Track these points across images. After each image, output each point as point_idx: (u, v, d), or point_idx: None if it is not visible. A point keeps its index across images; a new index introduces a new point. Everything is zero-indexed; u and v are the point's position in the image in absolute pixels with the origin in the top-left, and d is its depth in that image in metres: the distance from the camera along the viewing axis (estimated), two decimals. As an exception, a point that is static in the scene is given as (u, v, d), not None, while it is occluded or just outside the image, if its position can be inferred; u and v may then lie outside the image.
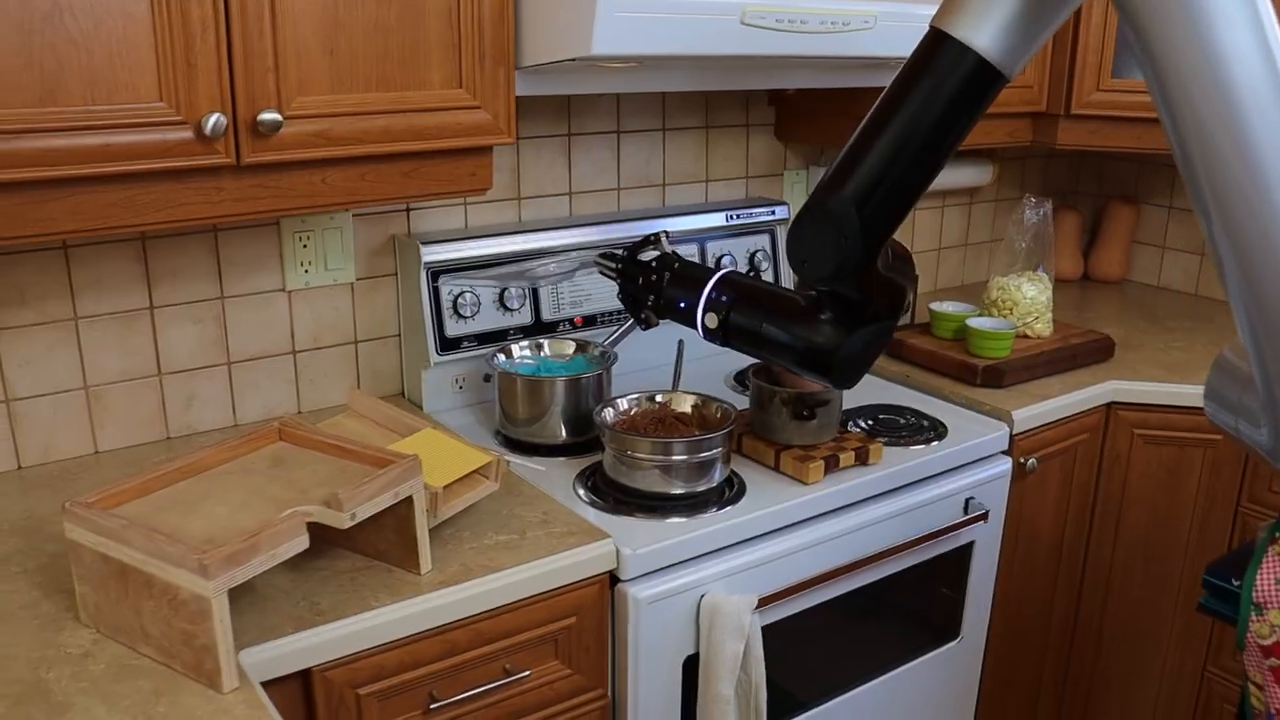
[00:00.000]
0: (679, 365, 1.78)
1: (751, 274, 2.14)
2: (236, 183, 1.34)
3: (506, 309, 1.86)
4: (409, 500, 1.29)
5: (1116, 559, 2.15)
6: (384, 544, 1.35)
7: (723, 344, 1.41)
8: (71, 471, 1.60)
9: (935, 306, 2.15)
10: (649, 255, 1.55)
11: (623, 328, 1.85)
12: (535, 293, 1.90)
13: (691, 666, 1.54)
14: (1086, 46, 2.13)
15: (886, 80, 1.19)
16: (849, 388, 1.37)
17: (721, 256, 2.10)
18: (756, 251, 2.14)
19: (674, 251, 1.52)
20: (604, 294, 1.96)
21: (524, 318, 1.89)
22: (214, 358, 1.73)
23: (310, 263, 1.77)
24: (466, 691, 1.36)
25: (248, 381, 1.77)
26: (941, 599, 1.89)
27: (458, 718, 1.37)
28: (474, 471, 1.41)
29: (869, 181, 1.17)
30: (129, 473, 1.58)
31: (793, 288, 1.58)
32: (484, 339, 1.85)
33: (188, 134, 1.27)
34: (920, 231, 2.59)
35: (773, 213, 2.17)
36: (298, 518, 1.16)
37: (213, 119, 1.26)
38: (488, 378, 1.89)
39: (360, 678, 1.28)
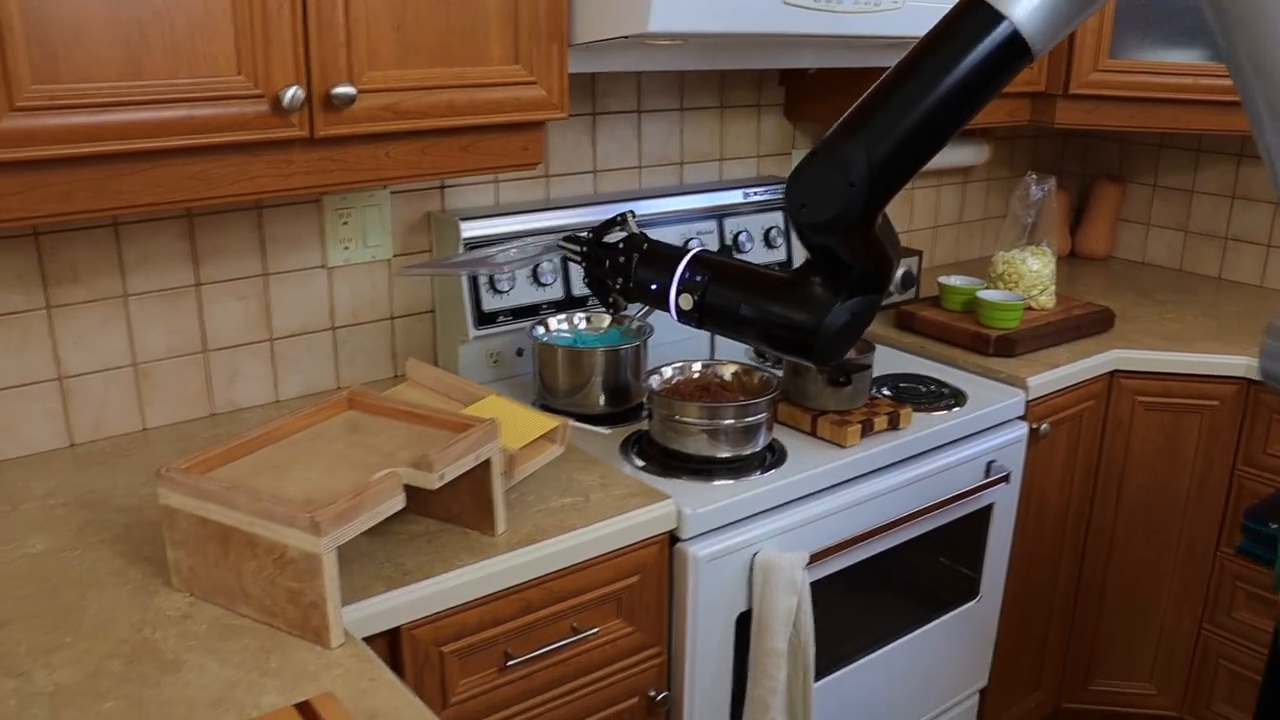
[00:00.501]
0: (715, 336, 1.83)
1: (722, 253, 2.19)
2: (306, 156, 1.36)
3: (539, 284, 1.90)
4: (486, 463, 1.32)
5: (1119, 521, 2.24)
6: (458, 507, 1.38)
7: (698, 326, 1.33)
8: (123, 448, 1.61)
9: (944, 280, 2.22)
10: (615, 237, 1.45)
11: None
12: (566, 267, 1.93)
13: (743, 623, 1.59)
14: (1085, 27, 2.21)
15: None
16: (830, 363, 1.35)
17: (738, 233, 2.15)
18: (771, 229, 2.19)
19: (642, 232, 1.45)
20: (631, 269, 2.00)
21: (555, 292, 1.92)
22: (257, 334, 1.74)
23: (350, 240, 1.79)
24: (538, 649, 1.40)
25: (289, 358, 1.79)
26: (962, 560, 1.96)
27: (529, 675, 1.41)
28: (539, 437, 1.45)
29: (884, 132, 1.14)
30: (179, 449, 1.60)
31: (783, 268, 1.61)
32: (518, 313, 1.88)
33: (264, 107, 1.29)
34: (917, 210, 2.66)
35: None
36: (395, 478, 1.19)
37: (290, 92, 1.28)
38: (520, 351, 1.93)
39: (444, 636, 1.31)
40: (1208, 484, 2.18)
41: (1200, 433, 2.16)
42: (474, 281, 1.82)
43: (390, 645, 1.28)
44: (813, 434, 1.74)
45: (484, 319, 1.85)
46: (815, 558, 1.58)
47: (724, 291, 1.29)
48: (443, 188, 1.88)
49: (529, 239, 1.75)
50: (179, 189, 1.29)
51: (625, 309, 1.52)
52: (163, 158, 1.26)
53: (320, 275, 1.78)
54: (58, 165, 1.19)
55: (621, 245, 1.40)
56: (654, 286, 1.36)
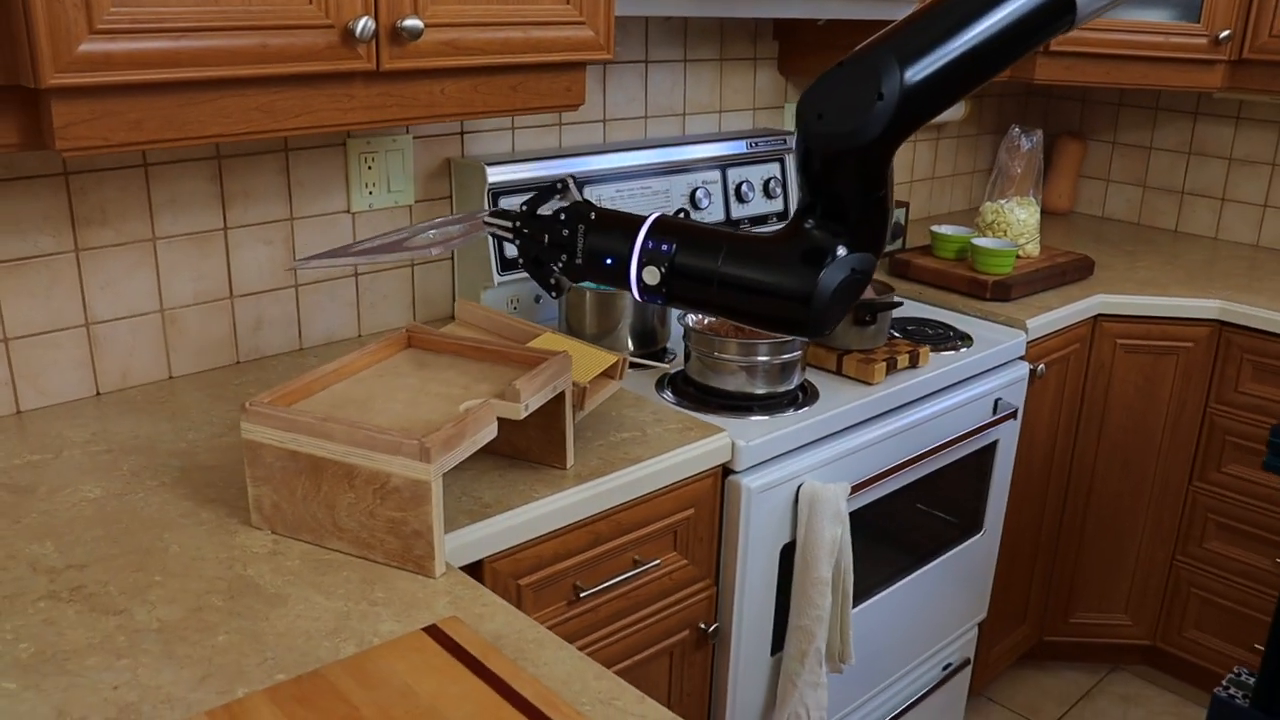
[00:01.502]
0: None
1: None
2: (367, 90, 1.32)
3: (560, 231, 1.87)
4: (559, 396, 1.30)
5: (1099, 459, 2.32)
6: (525, 442, 1.36)
7: (664, 303, 1.12)
8: (153, 396, 1.55)
9: (937, 229, 2.26)
10: (553, 207, 1.25)
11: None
12: (584, 215, 1.91)
13: (787, 554, 1.60)
14: (1067, -15, 2.26)
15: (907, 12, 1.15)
16: (822, 335, 1.11)
17: (740, 183, 2.15)
18: (770, 179, 2.20)
19: (586, 199, 1.24)
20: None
21: (574, 240, 1.90)
22: (283, 280, 1.69)
23: (374, 184, 1.74)
24: (605, 582, 1.39)
25: (313, 304, 1.73)
26: (968, 495, 2.00)
27: (595, 608, 1.40)
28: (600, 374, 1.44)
29: (923, 54, 1.02)
30: (211, 397, 1.54)
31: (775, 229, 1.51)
32: (539, 260, 1.86)
33: (335, 38, 1.25)
34: (896, 165, 2.69)
35: (784, 141, 2.23)
36: (489, 407, 1.17)
37: (362, 22, 1.24)
38: (539, 298, 1.90)
39: (522, 568, 1.30)
40: (1181, 422, 2.27)
41: (1175, 374, 2.25)
42: (497, 227, 1.79)
43: (473, 577, 1.26)
44: (838, 372, 1.76)
45: (506, 264, 1.82)
46: (854, 489, 1.61)
47: (696, 260, 1.08)
48: (462, 133, 1.84)
49: (447, 217, 1.46)
50: (245, 120, 1.23)
51: (569, 290, 1.35)
52: (231, 88, 1.21)
53: (344, 220, 1.73)
54: (132, 92, 1.13)
55: (563, 216, 1.16)
56: (609, 260, 1.12)
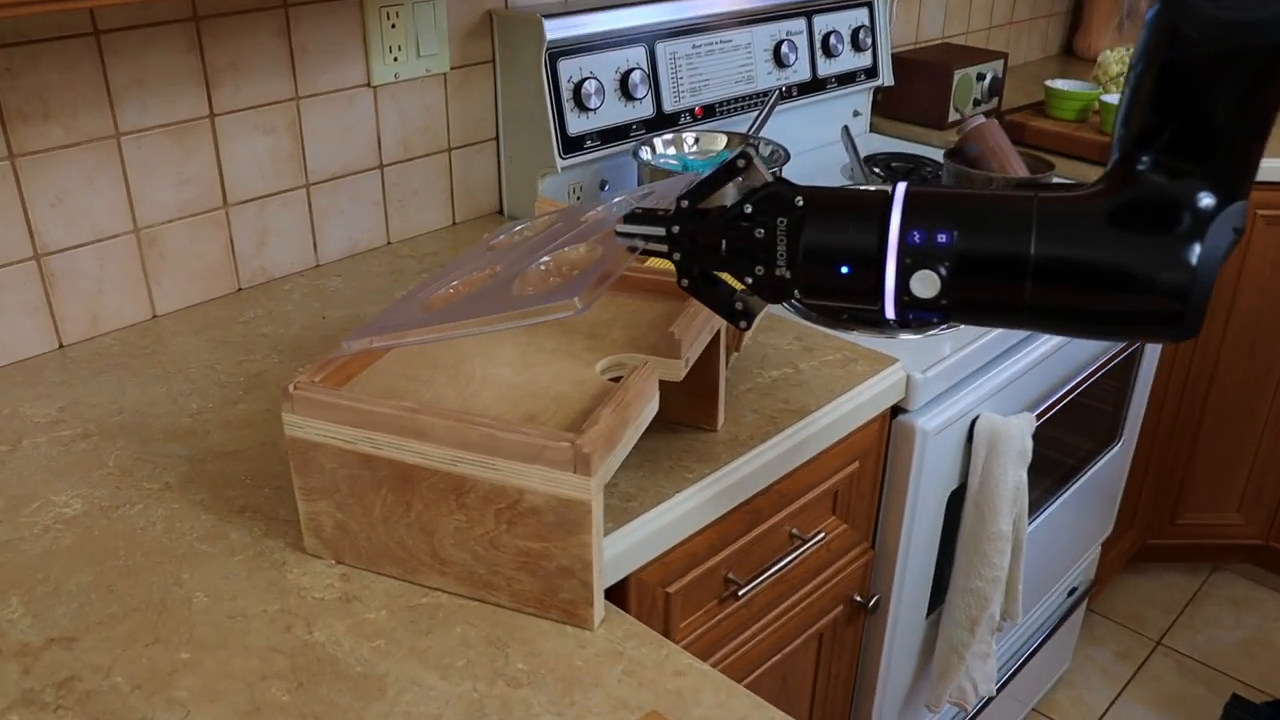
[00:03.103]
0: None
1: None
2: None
3: (630, 98, 1.44)
4: (713, 339, 0.91)
5: (1225, 344, 1.97)
6: (663, 399, 0.97)
7: (943, 319, 0.73)
8: (135, 345, 1.13)
9: (1053, 84, 1.84)
10: (728, 196, 0.78)
11: (764, 110, 1.49)
12: (656, 78, 1.47)
13: (955, 502, 1.25)
14: None
15: None
16: (1196, 334, 0.70)
17: (828, 34, 1.71)
18: (858, 29, 1.76)
19: (775, 173, 0.83)
20: (723, 77, 1.56)
21: (646, 109, 1.47)
22: (290, 179, 1.25)
23: (400, 48, 1.29)
24: (761, 568, 1.03)
25: (329, 208, 1.30)
26: (1110, 400, 1.65)
27: (750, 600, 1.04)
28: (739, 296, 1.04)
29: None
30: (213, 341, 1.13)
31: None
32: (606, 137, 1.43)
33: None
34: (975, 8, 2.25)
35: (872, -20, 1.79)
36: (650, 371, 0.77)
37: None
38: (605, 184, 1.48)
39: (672, 573, 0.93)
40: (1319, 299, 1.93)
41: (1317, 244, 1.89)
42: (556, 94, 1.35)
43: (616, 596, 0.89)
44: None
45: (569, 145, 1.39)
46: (1038, 419, 1.25)
47: (993, 248, 0.69)
48: (502, -22, 1.38)
49: (553, 218, 0.97)
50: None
51: (760, 317, 0.86)
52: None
53: (364, 97, 1.29)
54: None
55: (750, 208, 0.75)
56: (845, 268, 0.73)
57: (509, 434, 0.69)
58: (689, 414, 0.96)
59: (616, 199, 0.95)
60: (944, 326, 1.18)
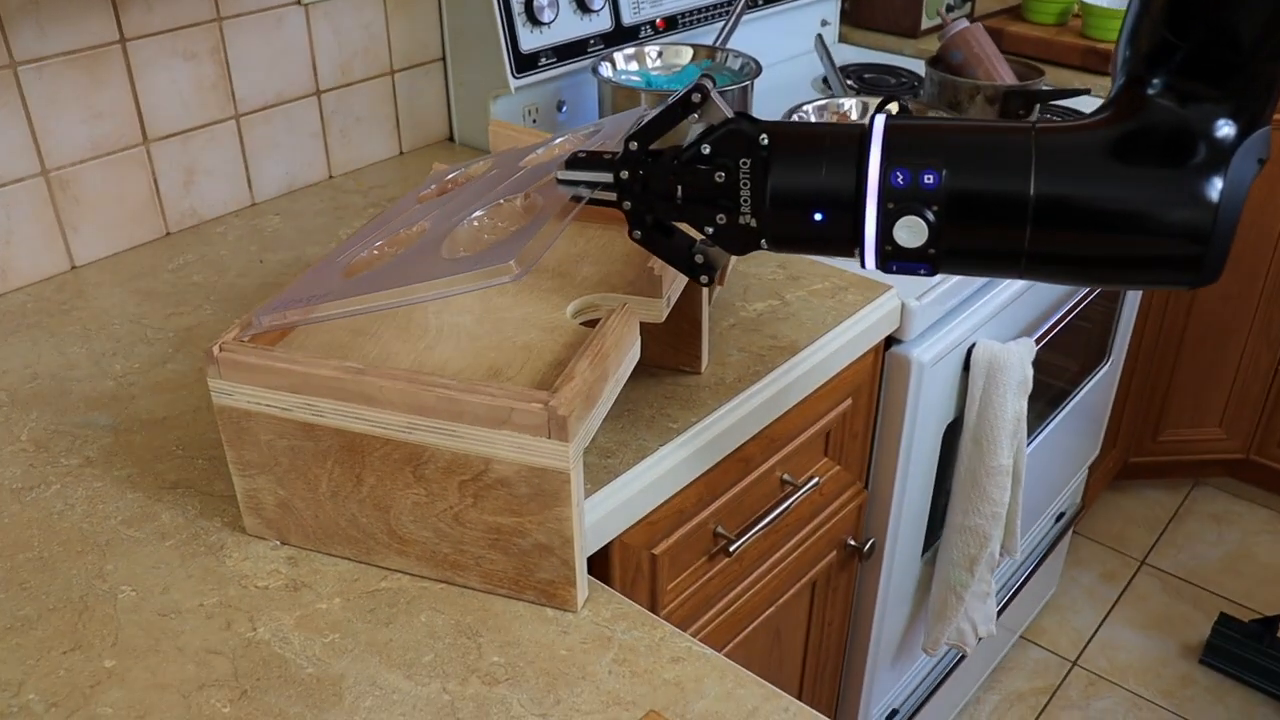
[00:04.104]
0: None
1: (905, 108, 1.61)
2: None
3: (586, 10, 1.31)
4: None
5: (1208, 254, 1.90)
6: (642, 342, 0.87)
7: (930, 270, 0.63)
8: (49, 302, 1.01)
9: (1030, -15, 1.73)
10: (691, 131, 0.67)
11: (729, 20, 1.37)
12: (615, -12, 1.35)
13: (950, 436, 1.17)
14: None
15: None
16: (1215, 281, 0.61)
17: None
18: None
19: (742, 111, 0.67)
20: (687, -12, 1.43)
21: (604, 22, 1.34)
22: (216, 110, 1.12)
23: (331, -41, 1.15)
24: (752, 519, 0.95)
25: (263, 141, 1.18)
26: (1099, 317, 1.58)
27: (740, 555, 0.96)
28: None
29: None
30: (140, 292, 1.01)
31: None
32: (562, 53, 1.30)
33: None
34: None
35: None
36: (630, 313, 0.67)
37: None
38: (562, 105, 1.36)
39: (658, 532, 0.84)
40: (1305, 207, 1.85)
41: (1304, 148, 1.80)
42: (506, 8, 1.22)
43: (591, 566, 0.80)
44: (979, 186, 1.27)
45: (522, 63, 1.27)
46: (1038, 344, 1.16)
47: (986, 188, 0.60)
48: (442, -122, 1.24)
49: (484, 164, 0.86)
50: None
51: (722, 270, 0.76)
52: None
53: (294, 15, 1.15)
54: None
55: (709, 148, 0.65)
56: (818, 215, 0.63)
57: (470, 395, 0.59)
58: (670, 356, 0.87)
59: (558, 139, 0.84)
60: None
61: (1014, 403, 1.12)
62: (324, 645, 0.62)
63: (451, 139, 1.36)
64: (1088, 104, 1.52)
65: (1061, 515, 1.73)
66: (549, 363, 0.65)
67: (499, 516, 0.62)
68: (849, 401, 1.03)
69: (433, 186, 0.83)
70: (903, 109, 0.67)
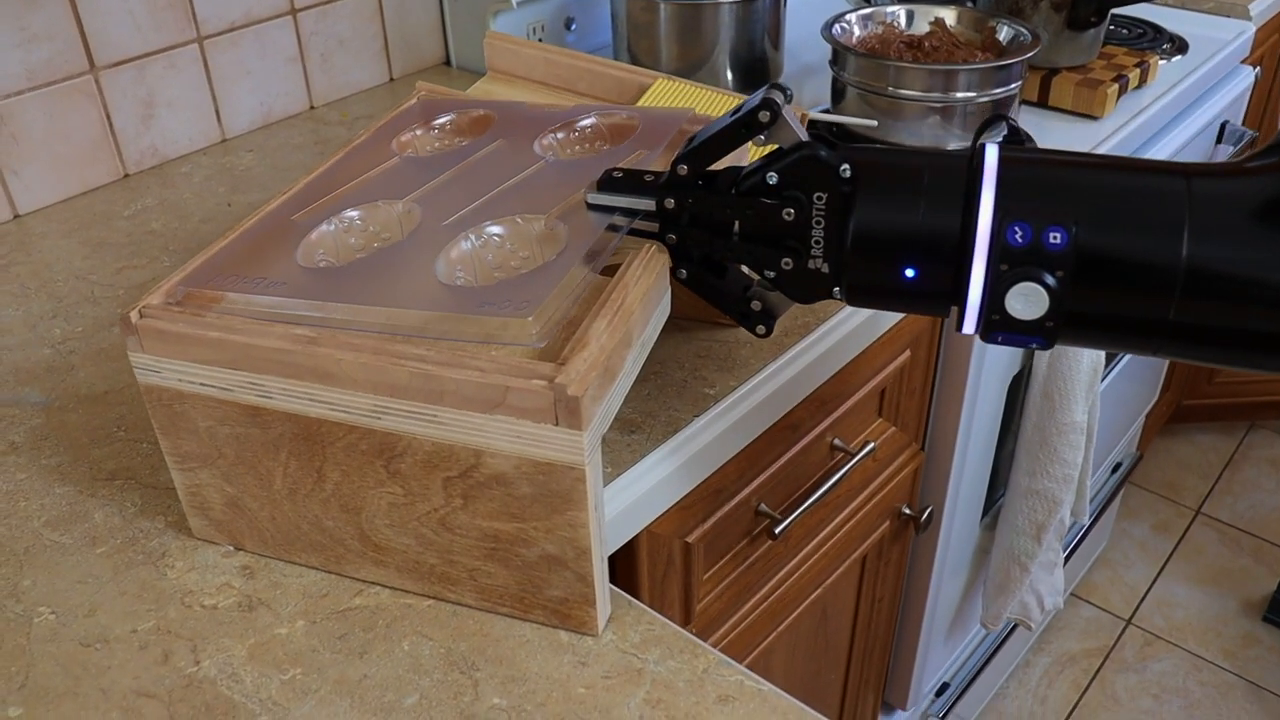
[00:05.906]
0: None
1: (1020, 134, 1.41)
2: None
3: (596, -84, 1.15)
4: (732, 207, 0.66)
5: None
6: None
7: (1045, 345, 0.50)
8: (-10, 252, 0.87)
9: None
10: (754, 159, 0.56)
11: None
12: (628, -111, 1.18)
13: (1013, 392, 1.02)
14: None
15: None
16: None
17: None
18: None
19: (818, 133, 0.54)
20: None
21: (617, -72, 1.18)
22: (175, 33, 0.97)
23: None
24: (800, 494, 0.81)
25: (231, 67, 1.02)
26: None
27: (785, 534, 0.82)
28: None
29: None
30: (91, 244, 0.87)
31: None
32: (569, -34, 1.15)
33: None
34: None
35: None
36: (657, 259, 0.53)
37: None
38: (571, 22, 1.20)
39: (693, 518, 0.70)
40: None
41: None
42: (506, -84, 1.06)
43: (623, 556, 0.66)
44: (1043, 103, 1.11)
45: (526, -22, 1.11)
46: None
47: (1127, 250, 0.47)
48: None
49: (477, 112, 0.69)
50: None
51: (781, 315, 0.62)
52: None
53: (260, -78, 1.00)
54: None
55: (775, 180, 0.52)
56: (910, 271, 0.50)
57: (452, 371, 0.45)
58: (704, 307, 0.72)
59: (578, 115, 0.67)
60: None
61: (1091, 351, 0.97)
62: (282, 684, 0.49)
63: (448, 63, 1.21)
64: (1157, 13, 1.36)
65: (1118, 466, 1.59)
66: (563, 322, 0.51)
67: (496, 522, 0.49)
68: (907, 354, 0.88)
69: (419, 132, 0.68)
70: (1012, 131, 0.52)
